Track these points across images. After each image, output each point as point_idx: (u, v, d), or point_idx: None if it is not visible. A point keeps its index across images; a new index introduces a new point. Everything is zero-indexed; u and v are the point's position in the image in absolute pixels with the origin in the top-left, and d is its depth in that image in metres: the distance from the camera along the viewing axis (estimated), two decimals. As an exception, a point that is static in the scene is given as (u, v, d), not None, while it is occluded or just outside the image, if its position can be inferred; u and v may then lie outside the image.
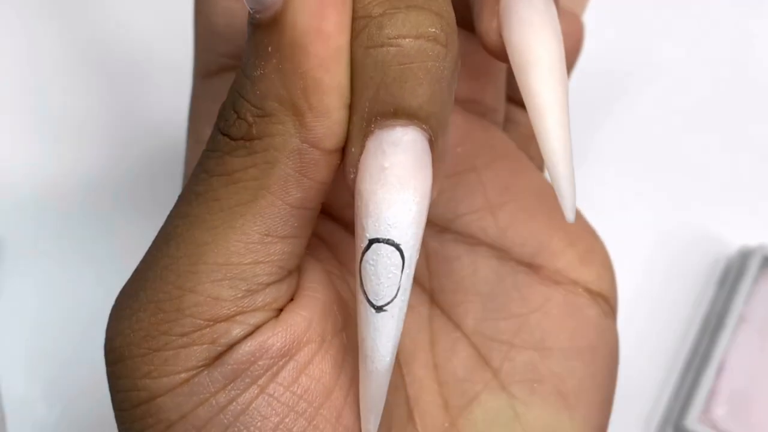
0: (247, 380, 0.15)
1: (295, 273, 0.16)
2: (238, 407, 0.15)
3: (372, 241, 0.14)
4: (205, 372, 0.15)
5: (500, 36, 0.16)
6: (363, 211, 0.14)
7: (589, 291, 0.19)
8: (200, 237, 0.15)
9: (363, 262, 0.14)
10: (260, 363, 0.15)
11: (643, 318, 0.32)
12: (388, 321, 0.14)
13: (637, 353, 0.31)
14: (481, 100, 0.20)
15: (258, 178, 0.14)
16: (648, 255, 0.33)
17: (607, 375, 0.19)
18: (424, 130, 0.14)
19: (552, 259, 0.19)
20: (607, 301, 0.19)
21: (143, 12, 0.35)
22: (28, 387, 0.30)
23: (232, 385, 0.15)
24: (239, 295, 0.15)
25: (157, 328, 0.15)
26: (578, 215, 0.20)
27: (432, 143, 0.14)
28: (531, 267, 0.19)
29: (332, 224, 0.19)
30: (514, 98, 0.22)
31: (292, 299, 0.16)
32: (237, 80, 0.15)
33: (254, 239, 0.15)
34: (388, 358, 0.15)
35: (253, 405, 0.15)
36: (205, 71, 0.21)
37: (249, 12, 0.14)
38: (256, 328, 0.15)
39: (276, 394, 0.15)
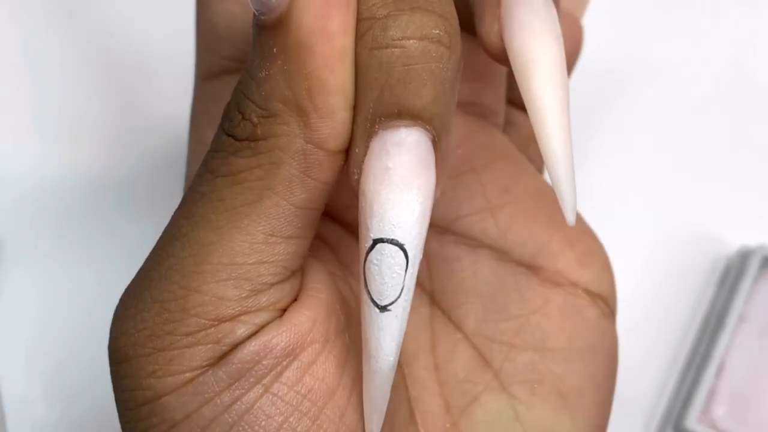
0: (251, 379, 0.15)
1: (298, 273, 0.16)
2: (243, 406, 0.15)
3: (376, 241, 0.14)
4: (210, 371, 0.15)
5: (501, 39, 0.16)
6: (367, 212, 0.14)
7: (589, 292, 0.19)
8: (205, 237, 0.15)
9: (367, 262, 0.14)
10: (264, 362, 0.15)
11: (643, 318, 0.32)
12: (392, 320, 0.15)
13: (637, 353, 0.31)
14: (482, 102, 0.20)
15: (263, 178, 0.15)
16: (648, 255, 0.33)
17: (606, 375, 0.19)
18: (428, 130, 0.14)
19: (552, 261, 0.19)
20: (606, 303, 0.19)
21: (144, 12, 0.35)
22: (28, 387, 0.30)
23: (236, 384, 0.15)
24: (244, 295, 0.15)
25: (162, 327, 0.15)
26: (577, 217, 0.20)
27: (435, 144, 0.15)
28: (531, 268, 0.19)
29: (334, 226, 0.20)
30: (514, 101, 0.22)
31: (295, 299, 0.16)
32: (242, 81, 0.15)
33: (259, 239, 0.15)
34: (391, 358, 0.15)
35: (258, 404, 0.15)
36: (206, 73, 0.21)
37: (254, 13, 0.14)
38: (261, 328, 0.15)
39: (280, 394, 0.15)
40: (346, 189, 0.16)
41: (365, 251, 0.14)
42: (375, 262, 0.14)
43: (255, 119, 0.15)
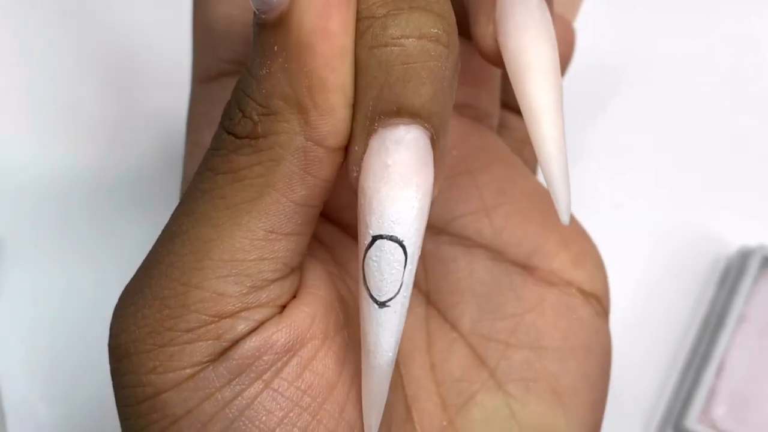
0: (251, 375, 0.15)
1: (297, 270, 0.16)
2: (243, 402, 0.15)
3: (375, 238, 0.14)
4: (211, 367, 0.15)
5: (496, 41, 0.16)
6: (366, 208, 0.14)
7: (583, 292, 0.19)
8: (206, 234, 0.15)
9: (366, 258, 0.14)
10: (265, 358, 0.15)
11: (643, 318, 0.32)
12: (390, 316, 0.15)
13: (637, 353, 0.32)
14: (477, 104, 0.21)
15: (263, 175, 0.15)
16: (648, 255, 0.33)
17: (600, 374, 0.19)
18: (426, 128, 0.14)
19: (546, 261, 0.19)
20: (599, 302, 0.20)
21: (146, 12, 0.35)
22: (28, 387, 0.30)
23: (237, 380, 0.15)
24: (244, 292, 0.15)
25: (163, 324, 0.15)
26: (572, 218, 0.20)
27: (434, 142, 0.15)
28: (526, 268, 0.19)
29: (330, 226, 0.20)
30: (509, 104, 0.22)
31: (295, 296, 0.16)
32: (242, 80, 0.15)
33: (259, 236, 0.15)
34: (390, 354, 0.15)
35: (258, 400, 0.15)
36: (203, 76, 0.21)
37: (255, 12, 0.15)
38: (261, 324, 0.15)
39: (280, 389, 0.15)
40: (342, 189, 0.16)
41: (364, 248, 0.14)
42: (374, 258, 0.14)
43: (255, 117, 0.15)
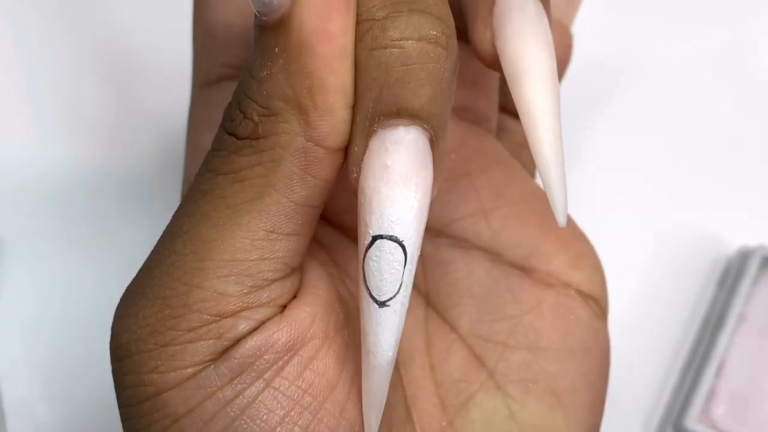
0: (253, 374, 0.15)
1: (298, 271, 0.16)
2: (245, 401, 0.15)
3: (375, 238, 0.14)
4: (212, 366, 0.15)
5: (494, 46, 0.17)
6: (366, 209, 0.14)
7: (581, 293, 0.19)
8: (207, 234, 0.15)
9: (366, 258, 0.15)
10: (266, 357, 0.15)
11: (642, 318, 0.32)
12: (390, 316, 0.15)
13: (637, 353, 0.32)
14: (475, 108, 0.21)
15: (264, 176, 0.15)
16: (648, 255, 0.33)
17: (598, 375, 0.19)
18: (426, 129, 0.15)
19: (544, 262, 0.19)
20: (598, 303, 0.20)
21: (147, 13, 0.35)
22: (28, 387, 0.30)
23: (238, 379, 0.15)
24: (245, 291, 0.15)
25: (164, 323, 0.15)
26: (569, 220, 0.20)
27: (433, 143, 0.15)
28: (524, 270, 0.19)
29: (330, 228, 0.20)
30: (507, 107, 0.22)
31: (295, 296, 0.16)
32: (243, 81, 0.15)
33: (260, 236, 0.15)
34: (390, 353, 0.15)
35: (259, 398, 0.15)
36: (203, 80, 0.21)
37: (256, 15, 0.15)
38: (262, 324, 0.15)
39: (281, 388, 0.15)
40: (342, 192, 0.16)
41: (364, 248, 0.15)
42: (374, 258, 0.14)
43: (256, 118, 0.15)
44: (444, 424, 0.18)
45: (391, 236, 0.14)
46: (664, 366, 0.32)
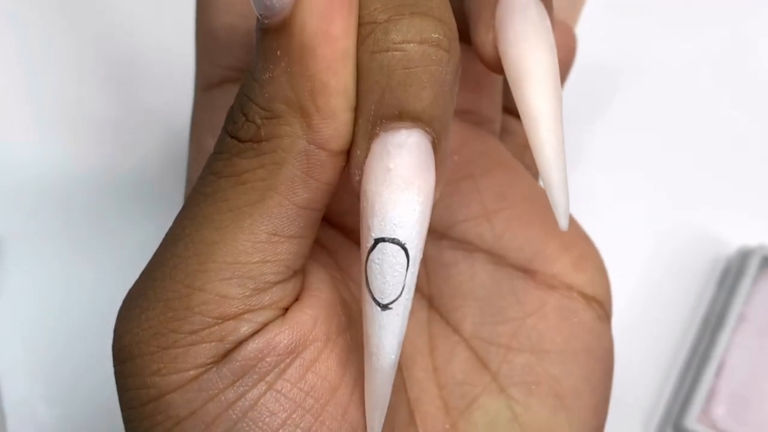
0: (255, 377, 0.15)
1: (300, 273, 0.16)
2: (247, 403, 0.15)
3: (378, 241, 0.14)
4: (214, 369, 0.15)
5: (496, 49, 0.17)
6: (369, 212, 0.14)
7: (584, 295, 0.19)
8: (209, 237, 0.15)
9: (369, 261, 0.15)
10: (268, 360, 0.15)
11: (642, 318, 0.32)
12: (393, 319, 0.15)
13: (637, 353, 0.32)
14: (478, 110, 0.21)
15: (266, 178, 0.15)
16: (647, 255, 0.33)
17: (602, 377, 0.19)
18: (428, 132, 0.15)
19: (547, 265, 0.19)
20: (601, 305, 0.20)
21: (148, 12, 0.35)
22: (28, 387, 0.30)
23: (240, 381, 0.15)
24: (247, 294, 0.15)
25: (167, 326, 0.15)
26: (572, 221, 0.20)
27: (435, 145, 0.15)
28: (527, 272, 0.19)
29: (332, 231, 0.20)
30: (511, 108, 0.22)
31: (297, 299, 0.16)
32: (245, 84, 0.15)
33: (262, 238, 0.15)
34: (393, 356, 0.15)
35: (261, 401, 0.15)
36: (206, 83, 0.21)
37: (258, 17, 0.15)
38: (264, 326, 0.15)
39: (283, 391, 0.15)
40: (344, 194, 0.16)
41: (367, 250, 0.15)
42: (376, 261, 0.14)
43: (258, 121, 0.15)
44: (447, 426, 0.18)
45: (394, 239, 0.14)
46: (664, 366, 0.32)
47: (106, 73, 0.34)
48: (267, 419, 0.15)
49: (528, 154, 0.22)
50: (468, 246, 0.19)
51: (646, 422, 0.31)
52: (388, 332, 0.15)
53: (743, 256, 0.32)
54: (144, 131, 0.34)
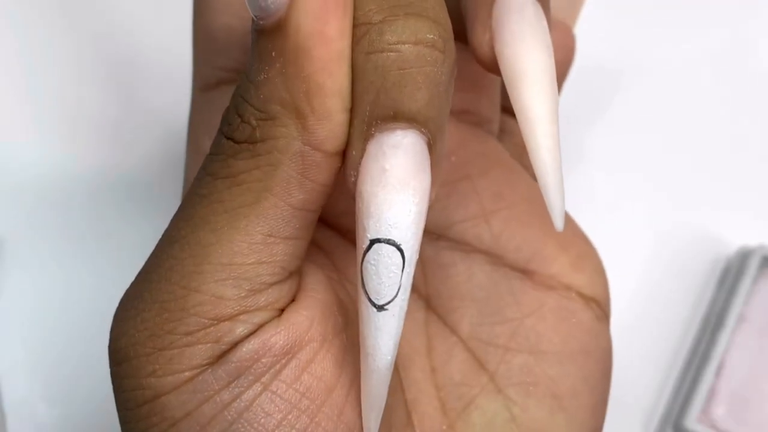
0: (250, 378, 0.15)
1: (296, 274, 0.16)
2: (242, 404, 0.15)
3: (373, 242, 0.14)
4: (209, 370, 0.15)
5: (492, 49, 0.16)
6: (364, 213, 0.14)
7: (582, 296, 0.19)
8: (204, 238, 0.15)
9: (364, 262, 0.15)
10: (263, 361, 0.15)
11: (642, 318, 0.32)
12: (389, 320, 0.15)
13: (637, 353, 0.32)
14: (476, 110, 0.21)
15: (261, 180, 0.15)
16: (647, 255, 0.33)
17: (600, 378, 0.19)
18: (423, 133, 0.15)
19: (545, 265, 0.19)
20: (599, 306, 0.20)
21: (147, 12, 0.35)
22: (28, 387, 0.30)
23: (235, 382, 0.15)
24: (243, 295, 0.15)
25: (162, 327, 0.15)
26: (570, 222, 0.20)
27: (430, 146, 0.15)
28: (525, 273, 0.19)
29: (329, 231, 0.20)
30: (509, 108, 0.22)
31: (293, 300, 0.16)
32: (240, 85, 0.15)
33: (257, 240, 0.15)
34: (389, 357, 0.15)
35: (257, 402, 0.15)
36: (203, 84, 0.21)
37: (253, 18, 0.15)
38: (259, 327, 0.15)
39: (279, 392, 0.15)
40: (340, 195, 0.16)
41: (362, 251, 0.15)
42: (372, 262, 0.14)
43: (254, 122, 0.15)
44: (444, 427, 0.18)
45: (389, 240, 0.14)
46: (664, 366, 0.32)
47: (106, 73, 0.34)
48: (262, 420, 0.15)
49: (526, 154, 0.22)
50: (466, 246, 0.19)
51: (646, 422, 0.31)
52: (384, 333, 0.15)
53: (743, 256, 0.32)
54: (144, 131, 0.34)
